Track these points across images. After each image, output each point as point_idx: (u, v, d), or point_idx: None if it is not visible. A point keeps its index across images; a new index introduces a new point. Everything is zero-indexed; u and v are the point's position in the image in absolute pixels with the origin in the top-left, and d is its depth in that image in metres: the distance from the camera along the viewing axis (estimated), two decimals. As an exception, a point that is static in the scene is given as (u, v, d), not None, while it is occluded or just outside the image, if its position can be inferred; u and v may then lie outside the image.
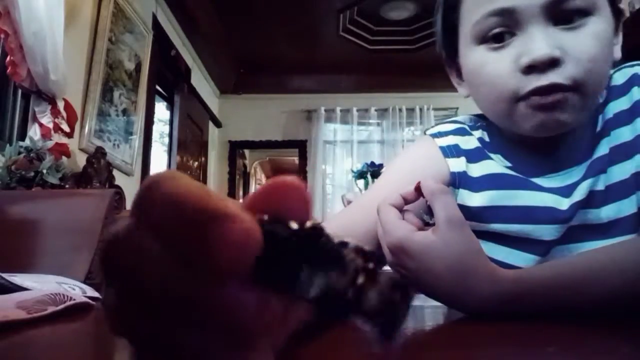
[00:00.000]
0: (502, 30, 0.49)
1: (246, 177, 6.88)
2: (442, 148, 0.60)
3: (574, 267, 0.41)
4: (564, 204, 0.53)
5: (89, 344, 0.39)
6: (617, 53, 0.52)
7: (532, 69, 0.46)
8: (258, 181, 7.99)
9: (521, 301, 0.39)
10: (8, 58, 1.76)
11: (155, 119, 3.64)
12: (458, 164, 0.58)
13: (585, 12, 0.47)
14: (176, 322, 0.14)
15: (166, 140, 4.15)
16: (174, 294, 0.13)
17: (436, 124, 0.66)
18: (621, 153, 0.52)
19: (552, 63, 0.46)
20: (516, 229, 0.55)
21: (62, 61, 1.91)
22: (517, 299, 0.39)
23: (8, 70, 1.77)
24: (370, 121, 5.32)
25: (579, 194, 0.52)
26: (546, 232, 0.53)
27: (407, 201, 0.44)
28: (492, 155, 0.58)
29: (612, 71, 0.55)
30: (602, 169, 0.52)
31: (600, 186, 0.52)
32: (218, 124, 5.29)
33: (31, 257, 1.22)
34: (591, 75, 0.47)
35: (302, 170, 5.37)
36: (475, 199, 0.56)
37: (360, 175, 2.57)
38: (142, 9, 3.08)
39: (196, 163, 4.58)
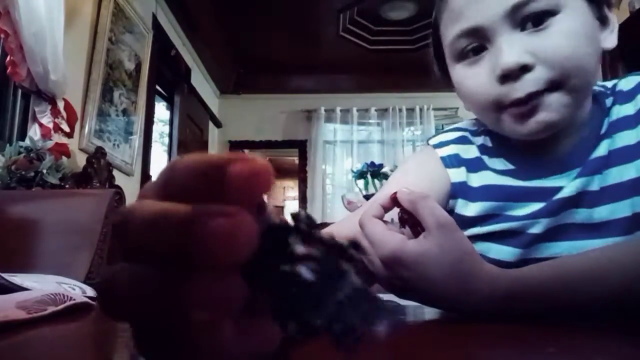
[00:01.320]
0: (474, 46, 0.50)
1: (246, 177, 6.87)
2: (443, 159, 0.61)
3: (572, 267, 0.41)
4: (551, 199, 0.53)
5: (89, 344, 0.39)
6: (609, 42, 0.51)
7: (507, 78, 0.48)
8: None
9: (519, 300, 0.39)
10: (8, 58, 1.76)
11: (155, 119, 3.64)
12: (458, 175, 0.60)
13: (550, 12, 0.47)
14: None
15: (166, 140, 4.15)
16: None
17: (438, 133, 0.67)
18: (622, 156, 0.52)
19: (523, 69, 0.46)
20: (500, 226, 0.56)
21: (62, 61, 1.91)
22: (515, 299, 0.39)
23: (8, 70, 1.77)
24: (370, 121, 5.32)
25: (568, 190, 0.52)
26: (530, 225, 0.54)
27: (385, 210, 0.44)
28: (495, 160, 0.59)
29: (618, 78, 0.56)
30: (597, 170, 0.52)
31: (594, 187, 0.52)
32: (218, 124, 5.29)
33: (31, 257, 1.22)
34: (570, 71, 0.47)
35: (302, 170, 5.37)
36: (471, 209, 0.58)
37: (360, 175, 2.57)
38: (142, 9, 3.08)
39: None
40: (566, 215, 0.53)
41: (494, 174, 0.58)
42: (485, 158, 0.60)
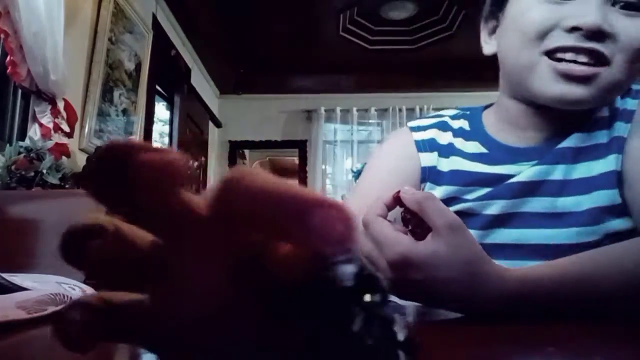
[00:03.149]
0: None
1: (246, 177, 6.87)
2: (417, 142, 0.62)
3: (579, 266, 0.42)
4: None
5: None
6: None
7: (576, 31, 0.46)
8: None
9: (527, 299, 0.39)
10: (8, 58, 1.76)
11: (155, 119, 3.64)
12: (430, 159, 0.61)
13: (638, 8, 0.47)
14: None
15: (166, 140, 4.14)
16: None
17: (419, 117, 0.66)
18: (592, 151, 0.52)
19: (597, 35, 0.45)
20: (456, 207, 0.56)
21: (62, 61, 1.91)
22: (523, 298, 0.39)
23: (8, 70, 1.77)
24: (370, 121, 5.32)
25: (524, 176, 0.53)
26: (484, 206, 0.54)
27: (389, 209, 0.43)
28: (470, 143, 0.59)
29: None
30: (562, 160, 0.52)
31: (557, 176, 0.52)
32: (218, 124, 5.29)
33: (31, 257, 1.22)
34: (630, 62, 0.46)
35: (302, 170, 5.37)
36: (437, 192, 0.58)
37: (360, 175, 2.57)
38: (142, 9, 3.08)
39: (196, 163, 4.58)
40: (525, 202, 0.53)
41: (463, 160, 0.59)
42: (459, 141, 0.61)
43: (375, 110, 5.26)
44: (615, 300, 0.40)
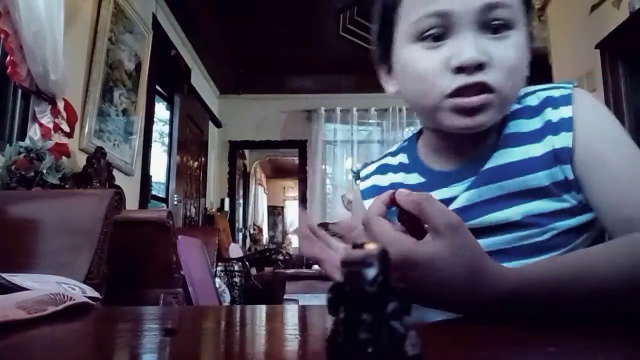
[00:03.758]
0: (438, 31, 0.53)
1: (246, 177, 6.88)
2: (362, 192, 0.70)
3: (571, 263, 0.43)
4: None
5: (89, 344, 0.39)
6: (527, 70, 0.57)
7: (461, 70, 0.51)
8: (258, 181, 7.99)
9: (525, 296, 0.39)
10: (8, 58, 1.76)
11: (155, 119, 3.64)
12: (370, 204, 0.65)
13: (508, 26, 0.52)
14: None
15: (166, 140, 4.15)
16: None
17: (364, 165, 0.74)
18: (519, 168, 0.55)
19: (479, 66, 0.50)
20: None
21: (62, 61, 1.91)
22: (522, 295, 0.39)
23: (8, 70, 1.77)
24: (370, 121, 5.33)
25: (461, 201, 0.57)
26: None
27: (387, 208, 0.44)
28: (411, 175, 0.64)
29: (525, 91, 0.59)
30: (490, 180, 0.56)
31: (487, 195, 0.56)
32: (218, 124, 5.29)
33: (31, 257, 1.22)
34: (510, 82, 0.52)
35: (302, 170, 5.37)
36: None
37: (360, 175, 2.57)
38: (142, 9, 3.09)
39: (196, 163, 4.59)
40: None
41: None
42: (400, 176, 0.65)
43: (375, 110, 5.26)
44: (609, 297, 0.41)
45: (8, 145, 1.76)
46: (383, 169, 0.69)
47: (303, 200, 5.27)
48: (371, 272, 0.17)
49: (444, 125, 0.55)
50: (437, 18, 0.53)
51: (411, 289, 0.39)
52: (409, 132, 5.23)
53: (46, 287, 0.52)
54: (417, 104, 0.58)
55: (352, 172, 2.75)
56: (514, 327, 0.36)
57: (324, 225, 0.61)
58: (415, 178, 0.63)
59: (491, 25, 0.52)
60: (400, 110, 5.18)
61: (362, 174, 0.72)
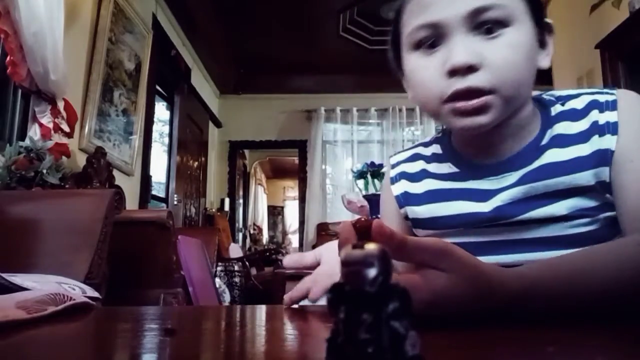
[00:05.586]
0: (432, 39, 0.55)
1: (246, 177, 6.88)
2: (390, 179, 0.72)
3: (571, 262, 0.43)
4: (484, 207, 0.59)
5: (89, 344, 0.39)
6: (544, 62, 0.58)
7: (454, 73, 0.52)
8: (258, 181, 7.99)
9: (525, 296, 0.39)
10: (8, 58, 1.76)
11: (155, 119, 3.64)
12: (399, 187, 0.69)
13: (502, 24, 0.53)
14: None
15: (166, 140, 4.15)
16: None
17: (397, 152, 0.76)
18: (566, 168, 0.56)
19: (470, 69, 0.52)
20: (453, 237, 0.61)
21: (62, 61, 1.91)
22: (521, 296, 0.39)
23: (8, 70, 1.77)
24: (370, 121, 5.32)
25: (504, 197, 0.57)
26: (472, 233, 0.60)
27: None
28: (443, 164, 0.66)
29: (568, 93, 0.60)
30: (536, 179, 0.56)
31: (532, 193, 0.56)
32: (218, 124, 5.29)
33: (31, 257, 1.22)
34: (507, 79, 0.52)
35: (302, 170, 5.37)
36: (420, 211, 0.66)
37: (360, 175, 2.57)
38: (142, 9, 3.09)
39: (196, 163, 4.59)
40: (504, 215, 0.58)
41: (436, 180, 0.66)
42: (433, 166, 0.68)
43: (375, 110, 5.26)
44: (610, 292, 0.41)
45: (8, 145, 1.76)
46: (414, 157, 0.71)
47: (303, 200, 5.27)
48: (371, 272, 0.17)
49: (451, 127, 0.57)
50: (428, 29, 0.55)
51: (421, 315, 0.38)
52: (409, 132, 5.24)
53: (46, 287, 0.52)
54: (424, 109, 0.60)
55: (352, 172, 2.75)
56: (514, 327, 0.36)
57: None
58: (447, 167, 0.65)
59: (484, 25, 0.53)
60: (400, 110, 5.18)
61: (393, 160, 0.73)
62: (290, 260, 0.60)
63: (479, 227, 0.60)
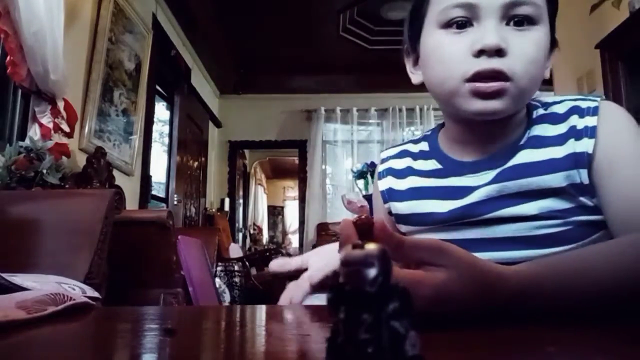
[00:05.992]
0: (463, 19, 0.57)
1: (246, 177, 6.88)
2: (378, 174, 0.74)
3: (567, 260, 0.44)
4: (457, 204, 0.60)
5: (89, 344, 0.39)
6: (547, 73, 0.61)
7: (482, 53, 0.54)
8: (258, 181, 7.99)
9: (523, 294, 0.39)
10: (8, 58, 1.76)
11: (155, 119, 3.64)
12: (385, 183, 0.72)
13: (531, 21, 0.55)
14: None
15: (166, 140, 4.14)
16: None
17: (387, 147, 0.78)
18: (539, 169, 0.57)
19: (498, 52, 0.54)
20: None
21: (62, 61, 1.91)
22: (519, 293, 0.39)
23: (8, 70, 1.77)
24: (370, 121, 5.33)
25: (479, 195, 0.59)
26: (443, 230, 0.62)
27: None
28: (428, 161, 0.68)
29: (553, 99, 0.62)
30: (510, 178, 0.57)
31: (506, 191, 0.57)
32: (218, 124, 5.29)
33: (31, 257, 1.22)
34: (527, 73, 0.55)
35: (302, 170, 5.37)
36: (400, 207, 0.68)
37: (360, 175, 2.57)
38: (142, 9, 3.09)
39: (196, 163, 4.59)
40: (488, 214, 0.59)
41: (418, 177, 0.68)
42: (419, 163, 0.69)
43: (375, 110, 5.26)
44: (605, 291, 0.41)
45: (8, 145, 1.76)
46: (402, 154, 0.73)
47: (303, 200, 5.27)
48: (371, 272, 0.17)
49: (461, 110, 0.57)
50: (463, 9, 0.56)
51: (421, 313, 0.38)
52: (409, 132, 5.23)
53: (46, 287, 0.52)
54: (439, 88, 0.60)
55: (352, 172, 2.75)
56: (514, 328, 0.36)
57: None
58: (432, 164, 0.67)
59: (516, 18, 0.55)
60: (400, 110, 5.18)
61: (383, 155, 0.76)
62: (276, 264, 0.60)
63: (450, 225, 0.61)
